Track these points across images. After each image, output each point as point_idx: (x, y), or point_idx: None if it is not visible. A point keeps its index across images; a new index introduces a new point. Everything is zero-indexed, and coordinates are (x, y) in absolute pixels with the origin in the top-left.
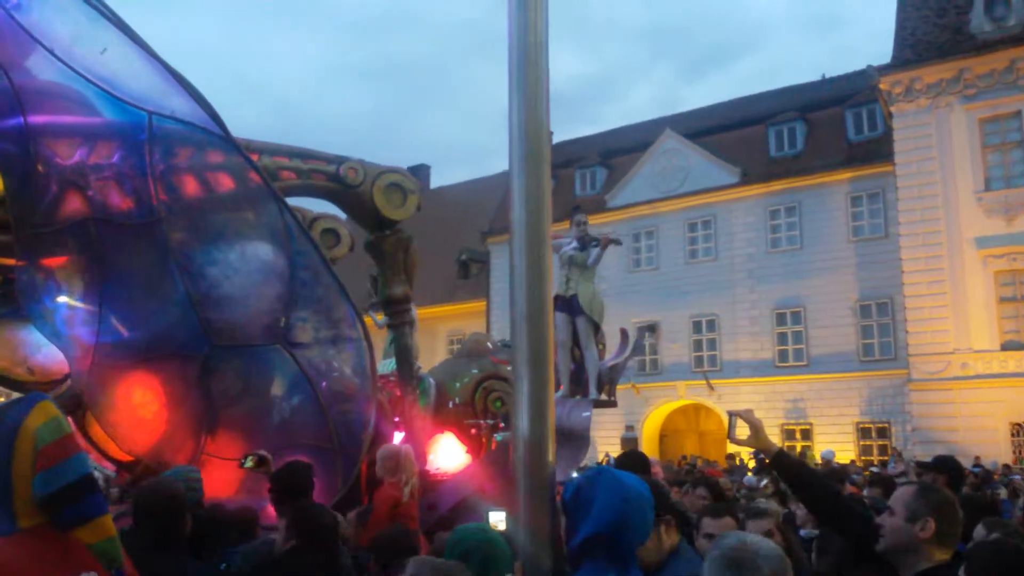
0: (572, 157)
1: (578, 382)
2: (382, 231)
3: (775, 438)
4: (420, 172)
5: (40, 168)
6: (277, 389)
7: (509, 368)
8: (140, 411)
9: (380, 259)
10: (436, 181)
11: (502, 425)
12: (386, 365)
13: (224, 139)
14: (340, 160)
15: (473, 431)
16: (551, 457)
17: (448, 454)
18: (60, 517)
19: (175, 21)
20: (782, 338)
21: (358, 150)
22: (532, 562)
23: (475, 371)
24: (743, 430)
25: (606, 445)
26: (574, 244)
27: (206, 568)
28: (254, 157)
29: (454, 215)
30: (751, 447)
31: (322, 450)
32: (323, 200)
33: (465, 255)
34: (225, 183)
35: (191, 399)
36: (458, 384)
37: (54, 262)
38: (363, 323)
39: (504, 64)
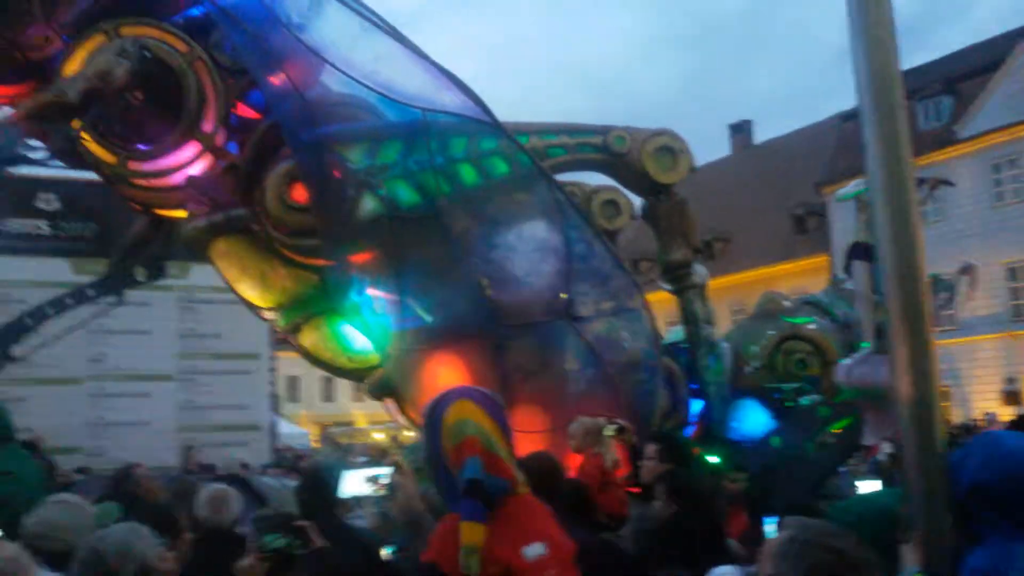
0: (912, 88)
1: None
2: (656, 196)
3: None
4: (742, 129)
5: (336, 174)
6: (567, 363)
7: (812, 327)
8: None
9: (656, 224)
10: (760, 136)
11: (807, 388)
12: (677, 332)
13: (493, 126)
14: (606, 130)
15: (775, 395)
16: (938, 417)
17: (751, 420)
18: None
19: (495, 18)
20: None
21: (674, 117)
22: (929, 530)
23: (772, 332)
24: None
25: (983, 402)
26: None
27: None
28: (523, 140)
29: (783, 169)
30: None
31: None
32: (595, 172)
33: (800, 209)
34: (498, 168)
35: (489, 377)
36: (755, 347)
37: (357, 259)
38: (642, 292)
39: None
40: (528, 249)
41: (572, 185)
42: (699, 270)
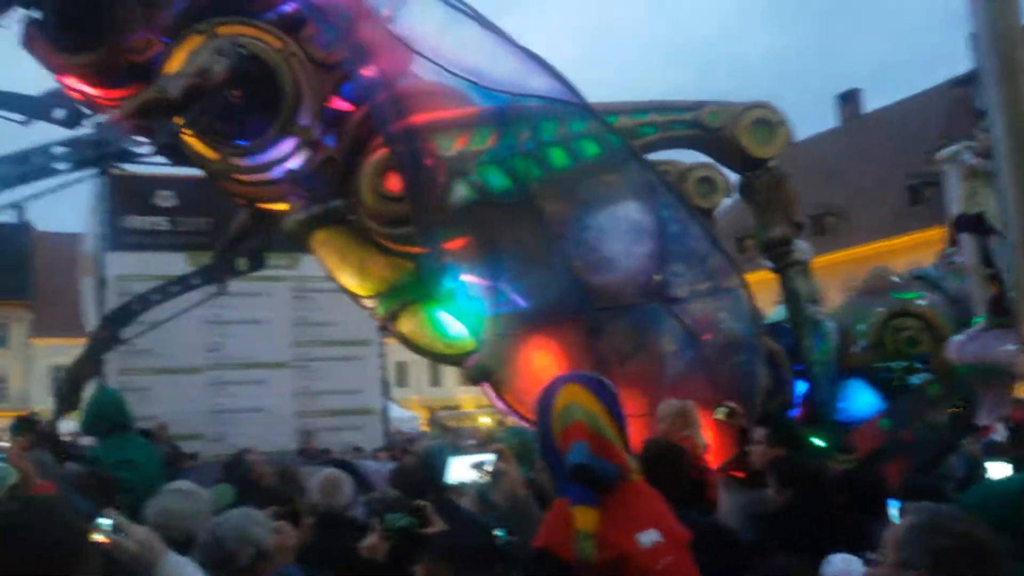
0: None
1: (999, 311)
2: (752, 171)
3: None
4: (850, 98)
5: (428, 162)
6: (663, 345)
7: (922, 302)
8: (542, 375)
9: (754, 201)
10: (870, 105)
11: (918, 367)
12: (779, 312)
13: (582, 108)
14: (698, 106)
15: (883, 375)
16: None
17: (858, 400)
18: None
19: (589, 2)
20: None
21: (779, 89)
22: None
23: (880, 309)
24: None
25: None
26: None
27: None
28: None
29: (895, 138)
30: None
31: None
32: (688, 150)
33: (914, 179)
34: (588, 150)
35: (584, 361)
36: (862, 325)
37: (450, 246)
38: (739, 271)
39: None
40: (620, 231)
41: (666, 164)
42: (801, 246)
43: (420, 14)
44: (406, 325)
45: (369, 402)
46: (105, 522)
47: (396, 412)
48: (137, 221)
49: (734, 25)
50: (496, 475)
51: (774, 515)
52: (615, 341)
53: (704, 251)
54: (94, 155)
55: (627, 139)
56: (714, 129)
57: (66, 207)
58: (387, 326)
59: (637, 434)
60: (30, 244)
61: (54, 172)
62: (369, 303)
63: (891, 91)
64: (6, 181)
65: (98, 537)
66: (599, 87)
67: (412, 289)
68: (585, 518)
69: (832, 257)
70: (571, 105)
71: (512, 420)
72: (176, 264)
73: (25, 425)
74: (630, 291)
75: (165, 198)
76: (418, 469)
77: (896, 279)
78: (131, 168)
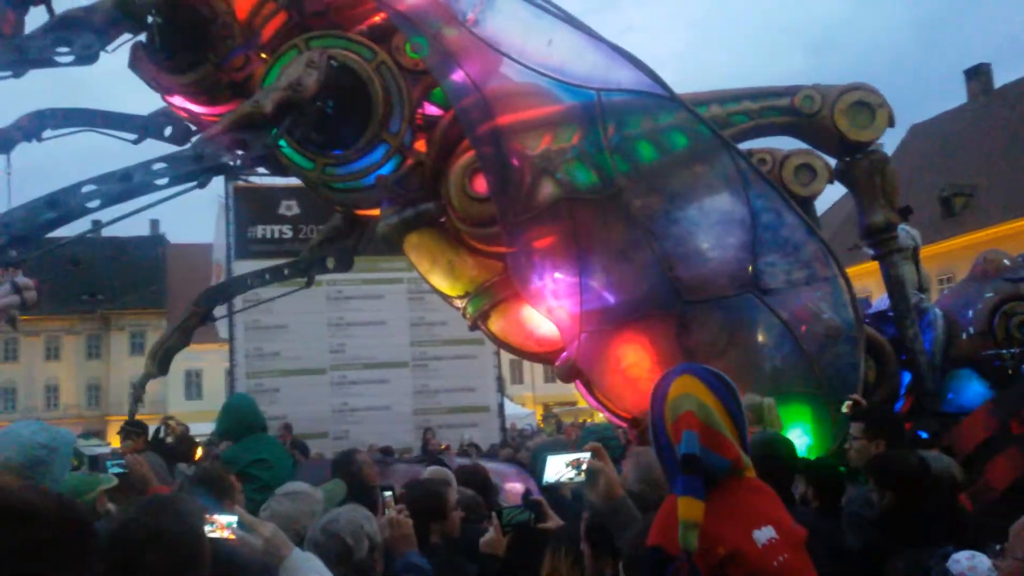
0: None
1: None
2: (852, 156)
3: None
4: (979, 73)
5: (515, 162)
6: (757, 338)
7: None
8: (631, 372)
9: (854, 186)
10: (1000, 78)
11: None
12: (883, 300)
13: (670, 99)
14: (793, 91)
15: (994, 363)
16: None
17: (967, 391)
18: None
19: None
20: None
21: (902, 67)
22: None
23: (989, 295)
24: None
25: None
26: None
27: None
28: (703, 110)
29: None
30: None
31: (814, 397)
32: (784, 137)
33: None
34: (677, 142)
35: (671, 355)
36: (971, 312)
37: (538, 244)
38: (837, 259)
39: None
40: (711, 222)
41: (763, 152)
42: (906, 232)
43: (505, 15)
44: (496, 324)
45: (485, 399)
46: (232, 519)
47: (512, 409)
48: (262, 230)
49: (856, 2)
50: (592, 473)
51: (882, 516)
52: (707, 335)
53: (800, 240)
54: (193, 170)
55: (718, 129)
56: (810, 114)
57: (196, 219)
58: (478, 325)
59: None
60: (164, 255)
61: (155, 188)
62: (459, 303)
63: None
64: (111, 198)
65: (225, 534)
66: (714, 73)
67: (501, 288)
68: (689, 508)
69: (961, 240)
70: (658, 97)
71: (602, 416)
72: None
73: (135, 429)
74: (722, 283)
75: (289, 207)
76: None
77: (1007, 262)
78: (256, 180)
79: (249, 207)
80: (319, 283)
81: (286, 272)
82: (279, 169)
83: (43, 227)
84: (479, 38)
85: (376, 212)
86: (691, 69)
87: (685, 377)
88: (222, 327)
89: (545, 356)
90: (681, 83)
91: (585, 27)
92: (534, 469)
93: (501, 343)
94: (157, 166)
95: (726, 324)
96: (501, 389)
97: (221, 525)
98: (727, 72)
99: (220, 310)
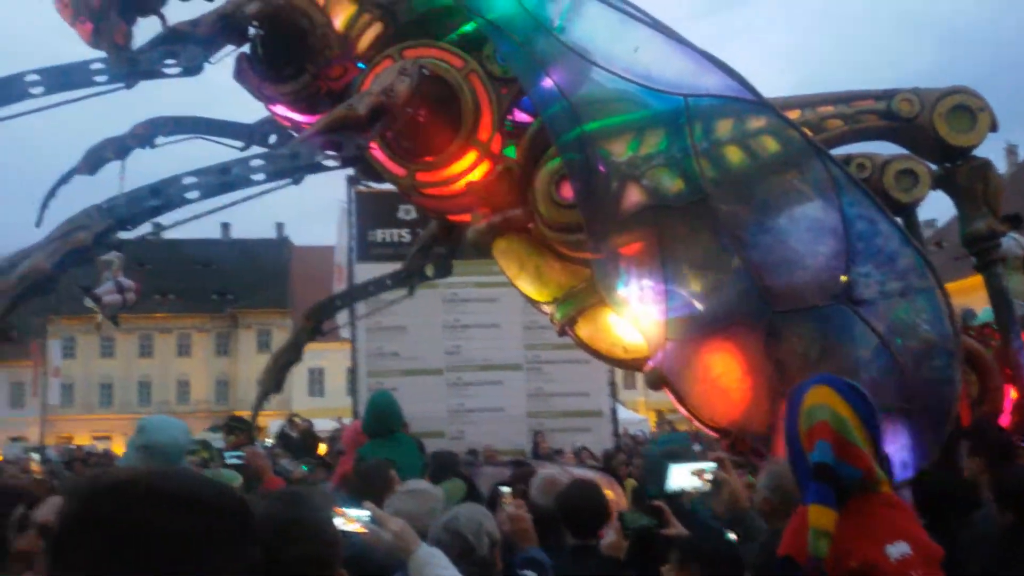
0: None
1: None
2: (952, 161)
3: None
4: None
5: (601, 169)
6: (850, 350)
7: None
8: (720, 382)
9: (954, 193)
10: None
11: None
12: (987, 312)
13: (760, 104)
14: (890, 94)
15: None
16: None
17: None
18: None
19: None
20: None
21: None
22: None
23: None
24: None
25: None
26: None
27: None
28: (794, 115)
29: None
30: None
31: (907, 413)
32: (878, 141)
33: None
34: (767, 147)
35: (760, 366)
36: None
37: (624, 251)
38: (933, 270)
39: None
40: (801, 230)
41: (861, 157)
42: (1015, 241)
43: (593, 22)
44: (584, 330)
45: (598, 404)
46: (363, 514)
47: (624, 414)
48: (382, 234)
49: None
50: (717, 483)
51: (1002, 539)
52: (797, 346)
53: (895, 249)
54: (288, 167)
55: (810, 134)
56: (908, 118)
57: (320, 223)
58: (566, 331)
59: None
60: (288, 257)
61: (252, 183)
62: (547, 309)
63: None
64: (210, 189)
65: (356, 527)
66: (832, 71)
67: (588, 294)
68: (820, 517)
69: None
70: (747, 102)
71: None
72: None
73: (238, 425)
74: (813, 293)
75: (407, 211)
76: (646, 473)
77: None
78: (375, 185)
79: (370, 211)
80: (436, 285)
81: (388, 283)
82: (372, 173)
83: (145, 213)
84: (566, 45)
85: (466, 218)
86: (807, 67)
87: (821, 387)
88: (348, 332)
89: (633, 363)
90: (798, 83)
91: (672, 32)
92: (648, 476)
93: (589, 349)
94: (255, 162)
95: (817, 335)
96: (614, 394)
97: (351, 519)
98: (846, 70)
99: (342, 317)
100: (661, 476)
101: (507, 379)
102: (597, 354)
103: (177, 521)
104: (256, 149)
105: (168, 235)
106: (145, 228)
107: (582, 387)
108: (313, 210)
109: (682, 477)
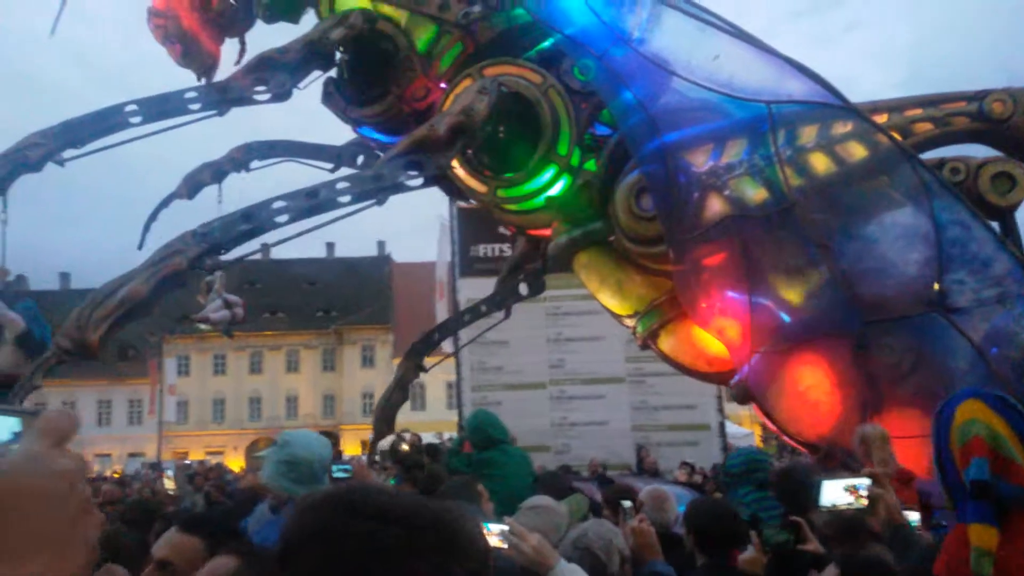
0: None
1: None
2: None
3: None
4: None
5: (681, 179)
6: (945, 361)
7: None
8: (809, 395)
9: None
10: None
11: None
12: None
13: (845, 109)
14: (982, 95)
15: None
16: None
17: None
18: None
19: None
20: None
21: None
22: None
23: None
24: None
25: None
26: None
27: None
28: (881, 119)
29: None
30: None
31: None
32: (970, 144)
33: None
34: (854, 153)
35: (850, 378)
36: None
37: (706, 262)
38: None
39: None
40: (891, 237)
41: (955, 161)
42: None
43: (671, 32)
44: (666, 343)
45: (705, 417)
46: (504, 528)
47: (730, 428)
48: (484, 249)
49: None
50: (873, 500)
51: None
52: (890, 357)
53: (990, 255)
54: (372, 188)
55: (898, 139)
56: (1001, 119)
57: (419, 238)
58: (648, 344)
59: (916, 457)
60: (390, 273)
61: (339, 205)
62: (629, 322)
63: None
64: (299, 212)
65: (496, 541)
66: (950, 65)
67: (671, 307)
68: (982, 536)
69: None
70: (833, 107)
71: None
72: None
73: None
74: (904, 302)
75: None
76: (781, 487)
77: None
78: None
79: (471, 226)
80: (541, 300)
81: (483, 309)
82: (455, 191)
83: (238, 238)
84: (645, 57)
85: (547, 232)
86: (923, 63)
87: (972, 402)
88: (447, 342)
89: (716, 376)
90: (912, 78)
91: (754, 39)
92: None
93: (672, 362)
94: (340, 184)
95: (910, 346)
96: (721, 408)
97: (492, 533)
98: (965, 65)
99: (447, 345)
100: (801, 494)
101: (610, 392)
102: (680, 367)
103: (398, 535)
104: (345, 170)
105: (276, 255)
106: (254, 246)
107: (688, 400)
108: (411, 227)
109: (834, 493)
